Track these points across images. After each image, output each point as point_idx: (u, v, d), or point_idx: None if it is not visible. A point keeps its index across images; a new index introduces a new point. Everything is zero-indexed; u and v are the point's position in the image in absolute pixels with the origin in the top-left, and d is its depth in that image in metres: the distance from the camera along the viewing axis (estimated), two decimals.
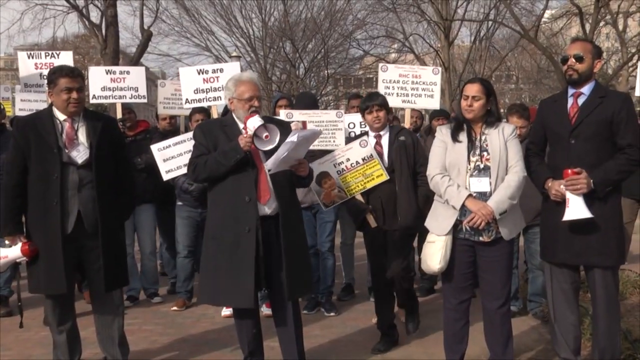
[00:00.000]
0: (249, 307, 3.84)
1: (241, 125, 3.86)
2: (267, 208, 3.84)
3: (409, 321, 4.95)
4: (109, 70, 6.34)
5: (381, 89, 5.74)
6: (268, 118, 4.09)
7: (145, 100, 6.42)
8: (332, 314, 5.74)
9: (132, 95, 6.22)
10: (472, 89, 3.88)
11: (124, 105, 6.24)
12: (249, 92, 3.88)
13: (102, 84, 6.16)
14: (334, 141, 5.44)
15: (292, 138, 3.57)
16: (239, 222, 3.78)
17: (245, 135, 3.72)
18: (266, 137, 3.69)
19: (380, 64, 6.24)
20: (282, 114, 5.49)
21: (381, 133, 4.81)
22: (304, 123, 5.46)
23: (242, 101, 3.89)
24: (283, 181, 3.85)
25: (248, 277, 3.75)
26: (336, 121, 5.53)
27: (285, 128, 3.92)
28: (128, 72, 6.31)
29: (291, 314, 3.95)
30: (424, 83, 5.93)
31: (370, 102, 4.75)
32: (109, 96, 6.19)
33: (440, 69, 6.35)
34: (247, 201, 3.77)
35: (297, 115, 5.57)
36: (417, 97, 5.91)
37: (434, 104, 6.05)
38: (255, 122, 3.70)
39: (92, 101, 6.27)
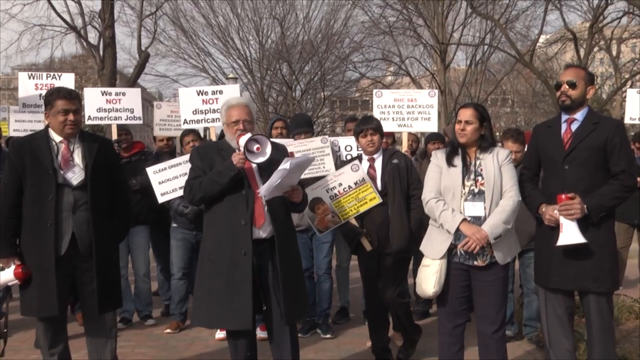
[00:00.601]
0: (247, 329, 3.82)
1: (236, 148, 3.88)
2: (262, 232, 3.83)
3: (402, 349, 4.90)
4: (104, 92, 6.37)
5: (376, 115, 5.77)
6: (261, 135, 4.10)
7: (140, 122, 6.44)
8: (328, 335, 5.72)
9: (127, 116, 6.24)
10: (465, 114, 3.92)
11: (120, 125, 6.26)
12: (235, 116, 3.91)
13: (98, 105, 6.18)
14: (323, 167, 5.45)
15: (285, 165, 3.57)
16: (235, 245, 3.78)
17: (237, 153, 3.75)
18: (257, 149, 3.71)
19: (375, 90, 6.27)
20: None
21: (374, 156, 4.83)
22: (291, 154, 5.46)
23: (229, 125, 3.94)
24: (278, 205, 3.86)
25: (246, 299, 3.74)
26: (322, 147, 5.55)
27: (280, 151, 3.94)
28: (124, 94, 6.35)
29: (288, 338, 3.93)
30: (420, 106, 5.96)
31: (365, 125, 4.78)
32: (105, 117, 6.21)
33: (436, 91, 6.38)
34: (243, 225, 3.78)
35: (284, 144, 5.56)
36: (413, 120, 5.94)
37: (431, 126, 6.07)
38: (245, 138, 3.74)
39: (87, 122, 6.28)
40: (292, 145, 5.59)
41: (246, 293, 3.74)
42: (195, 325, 5.38)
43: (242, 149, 3.71)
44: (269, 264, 3.85)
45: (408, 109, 5.94)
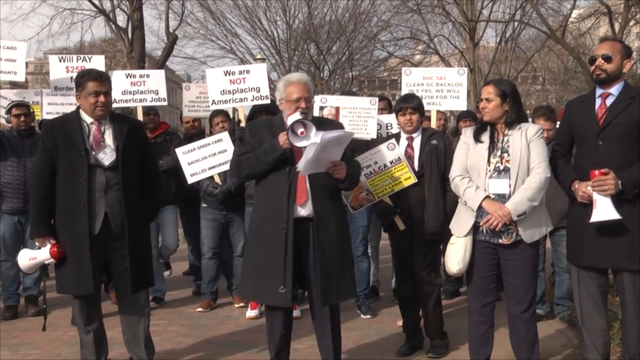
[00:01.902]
0: (285, 306, 3.84)
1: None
2: (304, 210, 3.82)
3: (432, 349, 4.72)
4: (129, 74, 6.40)
5: (405, 93, 5.71)
6: (317, 119, 4.08)
7: (165, 103, 6.46)
8: (368, 316, 5.74)
9: (152, 98, 6.27)
10: (485, 91, 3.90)
11: (149, 107, 6.31)
12: (296, 94, 3.88)
13: (123, 87, 6.22)
14: (365, 129, 5.45)
15: (316, 139, 3.54)
16: (276, 221, 3.81)
17: (284, 133, 3.71)
18: (301, 133, 3.64)
19: (404, 68, 6.20)
20: (317, 99, 5.51)
21: (413, 135, 4.78)
22: (337, 109, 5.48)
23: (289, 102, 3.90)
24: (323, 184, 3.82)
25: (283, 277, 3.76)
26: (369, 109, 5.54)
27: (334, 126, 3.93)
28: (148, 76, 6.37)
29: (328, 319, 3.94)
30: (449, 84, 5.89)
31: (405, 104, 4.73)
32: (130, 99, 6.26)
33: (465, 69, 6.29)
34: (284, 201, 3.79)
35: (331, 101, 5.60)
36: (442, 98, 5.87)
37: (461, 105, 6.00)
38: (293, 118, 3.70)
39: (113, 105, 6.33)
40: (341, 100, 5.61)
41: (283, 271, 3.76)
42: (242, 295, 5.46)
43: (289, 132, 3.66)
44: (310, 244, 3.85)
45: (437, 87, 5.87)
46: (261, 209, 3.95)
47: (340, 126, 4.08)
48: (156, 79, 6.32)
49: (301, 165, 3.63)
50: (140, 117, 6.16)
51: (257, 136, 3.94)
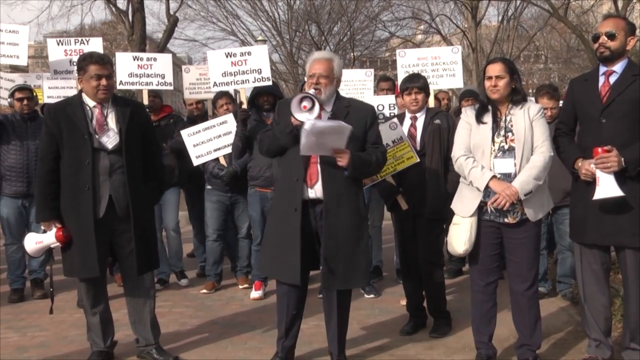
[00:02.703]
0: (296, 284, 3.86)
1: None
2: (314, 191, 3.83)
3: (435, 328, 4.72)
4: (136, 57, 6.39)
5: (401, 75, 5.72)
6: (346, 99, 4.06)
7: (171, 88, 6.46)
8: (372, 295, 5.77)
9: (158, 82, 6.27)
10: (495, 69, 3.84)
11: (150, 90, 6.31)
12: (312, 70, 3.89)
13: (129, 70, 6.21)
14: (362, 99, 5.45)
15: (306, 126, 3.55)
16: (289, 200, 3.85)
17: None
18: (304, 107, 3.65)
19: (398, 50, 6.23)
20: None
21: (417, 115, 4.77)
22: None
23: (308, 79, 3.92)
24: (335, 166, 3.79)
25: (294, 255, 3.79)
26: (365, 80, 5.53)
27: (360, 110, 3.96)
28: (155, 59, 6.36)
29: (334, 304, 3.96)
30: (444, 63, 5.93)
31: (411, 84, 4.72)
32: (136, 82, 6.25)
33: (459, 47, 6.35)
34: (295, 181, 3.82)
35: None
36: (438, 77, 5.89)
37: (457, 82, 6.03)
38: (298, 96, 3.71)
39: (119, 87, 6.34)
40: None
41: (294, 249, 3.79)
42: (261, 272, 5.52)
43: (292, 105, 3.67)
44: (321, 227, 3.85)
45: (432, 67, 5.89)
46: (278, 187, 4.05)
47: (366, 107, 4.05)
48: (163, 63, 6.31)
49: (301, 144, 3.65)
50: (145, 100, 6.16)
51: (282, 114, 3.93)
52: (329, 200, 3.81)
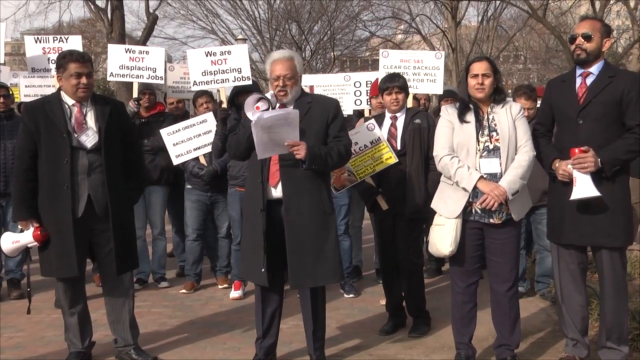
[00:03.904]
0: (264, 285, 3.88)
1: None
2: (276, 191, 3.85)
3: (414, 328, 4.72)
4: (128, 49, 6.34)
5: (382, 75, 5.72)
6: (306, 94, 4.10)
7: (162, 81, 6.42)
8: (351, 295, 5.78)
9: (149, 75, 6.21)
10: (481, 67, 3.83)
11: (146, 85, 6.27)
12: (276, 71, 3.87)
13: (121, 62, 6.16)
14: (341, 105, 5.46)
15: (253, 118, 3.57)
16: (254, 202, 3.87)
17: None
18: (257, 108, 3.69)
19: (381, 50, 6.22)
20: None
21: (397, 115, 4.78)
22: (311, 87, 5.49)
23: (271, 81, 3.92)
24: (293, 165, 3.80)
25: (259, 256, 3.80)
26: (344, 85, 5.55)
27: (324, 104, 3.99)
28: (147, 52, 6.31)
29: (308, 302, 3.97)
30: (426, 68, 5.93)
31: (391, 83, 4.70)
32: (127, 75, 6.20)
33: (443, 52, 6.33)
34: (258, 182, 3.84)
35: (306, 79, 5.59)
36: (419, 82, 5.90)
37: (437, 88, 6.04)
38: (252, 97, 3.73)
39: (109, 78, 6.33)
40: (315, 78, 5.64)
41: (260, 250, 3.80)
42: (239, 275, 5.52)
43: (246, 107, 3.69)
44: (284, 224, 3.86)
45: (414, 70, 5.89)
46: (246, 189, 4.06)
47: (329, 102, 4.07)
48: (155, 57, 6.26)
49: (255, 147, 3.65)
50: (135, 93, 6.12)
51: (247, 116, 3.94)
52: (289, 199, 3.81)
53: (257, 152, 3.68)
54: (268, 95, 3.79)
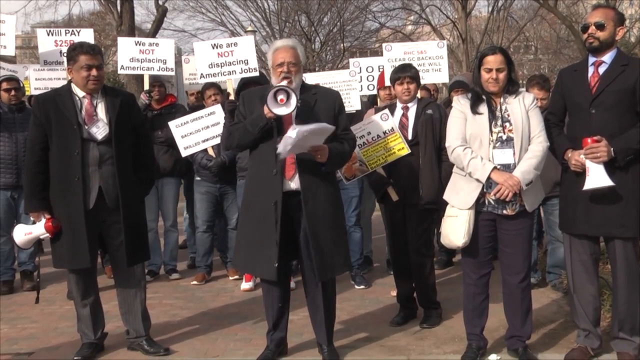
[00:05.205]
0: (272, 280, 3.86)
1: None
2: (292, 183, 3.82)
3: (425, 319, 4.71)
4: (138, 42, 6.35)
5: (387, 69, 5.72)
6: (309, 86, 4.09)
7: (172, 73, 6.43)
8: (362, 286, 5.78)
9: (160, 67, 6.22)
10: (496, 61, 3.77)
11: (155, 78, 6.27)
12: (279, 59, 3.85)
13: (131, 55, 6.18)
14: (348, 102, 5.45)
15: (291, 134, 3.52)
16: (266, 194, 3.81)
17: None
18: (281, 100, 3.62)
19: (384, 44, 6.24)
20: None
21: (409, 105, 4.76)
22: (315, 84, 5.48)
23: (274, 68, 3.89)
24: (310, 158, 3.78)
25: (271, 250, 3.78)
26: (350, 81, 5.54)
27: (327, 97, 3.97)
28: (157, 44, 6.32)
29: (321, 295, 3.95)
30: (430, 58, 5.98)
31: (403, 73, 4.69)
32: (137, 67, 6.21)
33: (445, 42, 6.38)
34: (274, 174, 3.79)
35: (311, 78, 5.58)
36: (424, 72, 5.90)
37: (442, 77, 6.06)
38: (275, 87, 3.68)
39: (120, 71, 6.34)
40: (320, 76, 5.62)
41: (272, 244, 3.77)
42: (234, 266, 5.50)
43: (268, 99, 3.64)
44: (300, 218, 3.84)
45: (418, 62, 5.89)
46: (253, 181, 3.96)
47: (332, 94, 4.07)
48: (165, 48, 6.27)
49: (280, 148, 3.62)
50: (146, 85, 6.13)
51: (249, 105, 3.93)
52: (308, 191, 3.80)
53: (282, 151, 3.62)
54: (283, 84, 3.72)
